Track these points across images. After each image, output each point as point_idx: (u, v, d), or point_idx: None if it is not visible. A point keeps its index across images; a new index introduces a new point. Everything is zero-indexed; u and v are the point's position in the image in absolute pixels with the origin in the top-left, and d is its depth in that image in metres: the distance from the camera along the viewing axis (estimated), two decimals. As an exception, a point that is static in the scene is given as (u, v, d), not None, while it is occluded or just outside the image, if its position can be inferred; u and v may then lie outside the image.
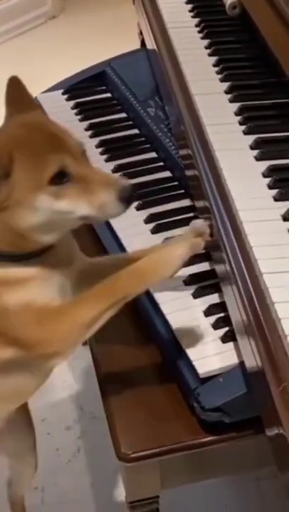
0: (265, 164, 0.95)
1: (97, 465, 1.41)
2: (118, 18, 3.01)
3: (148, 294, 1.01)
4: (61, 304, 0.80)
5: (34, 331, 0.78)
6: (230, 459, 0.96)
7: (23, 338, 0.79)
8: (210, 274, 1.00)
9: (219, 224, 0.91)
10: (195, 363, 0.90)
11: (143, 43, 1.50)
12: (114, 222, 1.13)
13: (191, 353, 0.91)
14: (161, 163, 1.26)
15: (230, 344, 0.91)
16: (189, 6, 1.35)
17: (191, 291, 0.99)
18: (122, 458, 0.89)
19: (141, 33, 1.51)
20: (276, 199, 0.90)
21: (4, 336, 0.79)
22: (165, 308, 0.98)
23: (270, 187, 0.92)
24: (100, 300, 0.80)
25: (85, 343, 1.59)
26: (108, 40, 2.70)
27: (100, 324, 0.81)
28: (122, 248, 1.09)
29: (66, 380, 1.57)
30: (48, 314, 0.79)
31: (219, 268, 0.93)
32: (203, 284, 1.00)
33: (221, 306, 0.95)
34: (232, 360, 0.89)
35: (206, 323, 0.95)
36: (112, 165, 1.25)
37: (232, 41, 1.23)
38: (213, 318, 0.95)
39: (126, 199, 0.77)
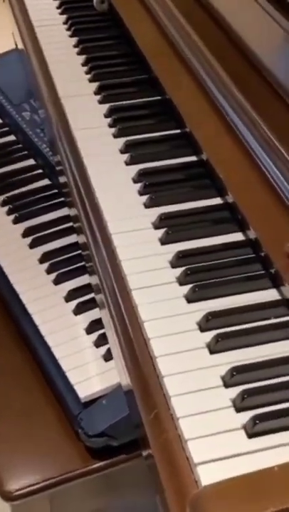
0: (136, 169, 0.90)
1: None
2: None
3: (27, 315, 0.95)
4: None
5: None
6: (126, 482, 0.91)
7: None
8: (91, 288, 0.95)
9: (89, 235, 0.85)
10: (76, 387, 0.85)
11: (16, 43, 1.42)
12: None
13: (72, 375, 0.86)
14: (40, 171, 1.20)
15: (113, 362, 0.86)
16: (57, 3, 1.27)
17: (72, 308, 0.94)
18: (7, 497, 0.83)
19: (14, 33, 1.43)
20: (146, 206, 0.85)
21: None
22: (44, 330, 0.92)
23: (141, 193, 0.86)
24: None
25: None
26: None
27: None
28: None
29: None
30: None
31: (93, 280, 0.88)
32: (83, 299, 0.94)
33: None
34: (115, 379, 0.84)
35: (88, 341, 0.90)
36: (-14, 177, 1.18)
37: (100, 38, 1.16)
38: (95, 336, 0.90)
39: None
